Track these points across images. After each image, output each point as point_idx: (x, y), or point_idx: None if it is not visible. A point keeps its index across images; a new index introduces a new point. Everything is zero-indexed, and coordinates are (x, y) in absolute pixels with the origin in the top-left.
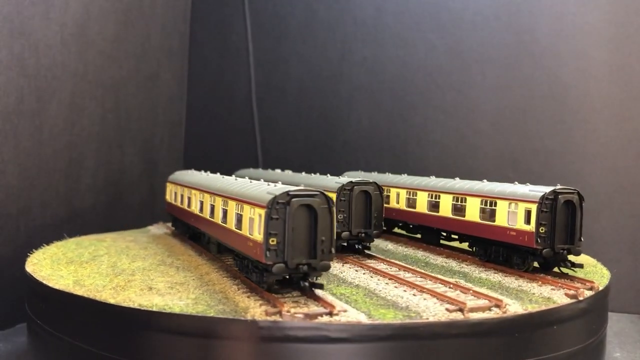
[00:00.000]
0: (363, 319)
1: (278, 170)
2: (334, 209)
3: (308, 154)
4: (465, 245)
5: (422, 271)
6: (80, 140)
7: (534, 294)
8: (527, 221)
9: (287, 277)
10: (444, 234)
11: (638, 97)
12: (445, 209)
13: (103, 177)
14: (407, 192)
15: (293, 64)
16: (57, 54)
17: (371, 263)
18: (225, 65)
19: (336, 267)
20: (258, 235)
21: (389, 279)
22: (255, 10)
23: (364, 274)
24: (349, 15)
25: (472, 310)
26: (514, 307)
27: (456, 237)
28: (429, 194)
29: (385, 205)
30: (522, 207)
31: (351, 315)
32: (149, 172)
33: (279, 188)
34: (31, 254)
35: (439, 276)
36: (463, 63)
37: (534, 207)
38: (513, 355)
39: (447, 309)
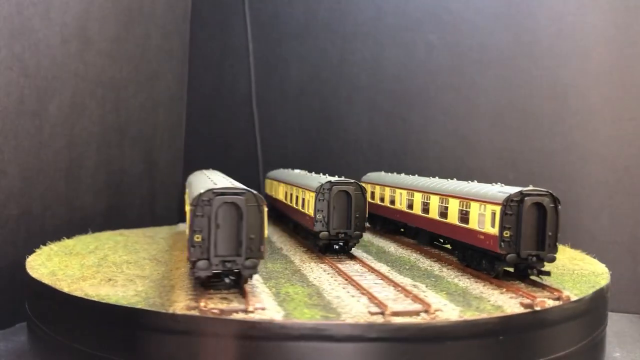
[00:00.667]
0: (277, 317)
1: (293, 170)
2: (264, 208)
3: (308, 154)
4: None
5: (387, 274)
6: (80, 140)
7: (489, 301)
8: (493, 224)
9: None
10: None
11: (638, 97)
12: (434, 211)
13: (103, 177)
14: (407, 193)
15: (293, 64)
16: (57, 54)
17: (346, 264)
18: (225, 65)
19: (308, 266)
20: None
21: (347, 280)
22: (255, 10)
23: (328, 274)
24: (349, 15)
25: (395, 314)
26: (452, 314)
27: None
28: (422, 195)
29: (390, 206)
30: (489, 209)
31: (266, 313)
32: (149, 172)
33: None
34: (31, 254)
35: (402, 279)
36: (463, 63)
37: (497, 209)
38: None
39: (369, 312)
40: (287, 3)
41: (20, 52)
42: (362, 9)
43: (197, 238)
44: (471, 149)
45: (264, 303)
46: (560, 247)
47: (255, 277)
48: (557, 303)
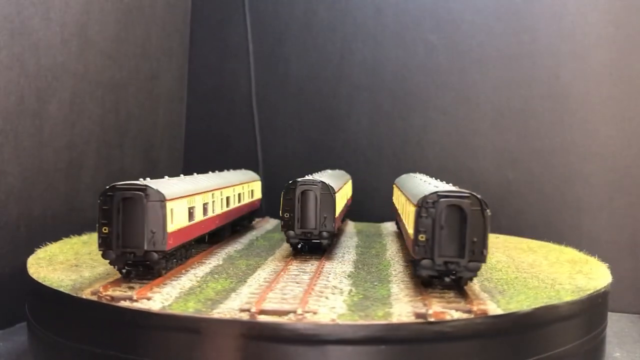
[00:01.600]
0: (154, 308)
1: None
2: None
3: (308, 154)
4: None
5: (329, 274)
6: (80, 140)
7: (390, 308)
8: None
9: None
10: None
11: (638, 97)
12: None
13: (103, 177)
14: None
15: (293, 64)
16: (57, 54)
17: (307, 263)
18: (225, 65)
19: (268, 265)
20: None
21: (281, 276)
22: (255, 10)
23: (274, 272)
24: (349, 15)
25: (262, 312)
26: (326, 317)
27: None
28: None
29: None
30: (411, 210)
31: (147, 303)
32: (149, 172)
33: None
34: (31, 254)
35: (339, 281)
36: (463, 63)
37: (413, 211)
38: None
39: (240, 308)
40: (287, 3)
41: (20, 52)
42: (362, 8)
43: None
44: (471, 149)
45: (168, 294)
46: (562, 249)
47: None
48: (462, 315)
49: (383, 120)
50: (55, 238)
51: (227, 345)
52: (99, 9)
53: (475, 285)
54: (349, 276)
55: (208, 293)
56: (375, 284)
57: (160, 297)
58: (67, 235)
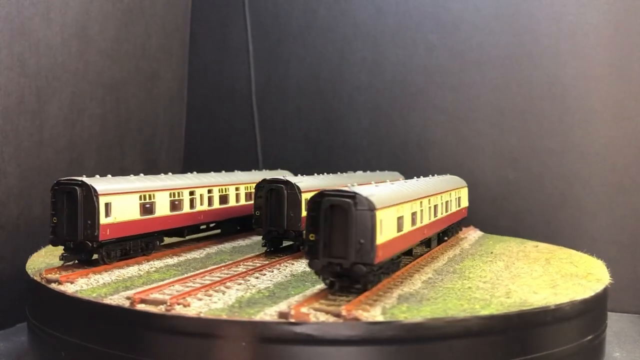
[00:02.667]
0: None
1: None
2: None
3: (308, 154)
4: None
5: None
6: (80, 140)
7: (264, 306)
8: None
9: None
10: None
11: (638, 97)
12: None
13: None
14: None
15: (293, 64)
16: (57, 54)
17: (268, 259)
18: (225, 65)
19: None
20: None
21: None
22: (255, 10)
23: (224, 267)
24: (349, 15)
25: (142, 301)
26: (191, 310)
27: None
28: None
29: None
30: None
31: (67, 287)
32: (149, 172)
33: None
34: (31, 254)
35: (261, 280)
36: (463, 63)
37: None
38: None
39: (126, 297)
40: (287, 3)
41: (20, 52)
42: (362, 9)
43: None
44: (471, 149)
45: (95, 281)
46: (562, 250)
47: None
48: (329, 319)
49: (383, 120)
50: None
51: (228, 347)
52: (99, 9)
53: (397, 290)
54: (291, 274)
55: (134, 282)
56: (306, 284)
57: (83, 282)
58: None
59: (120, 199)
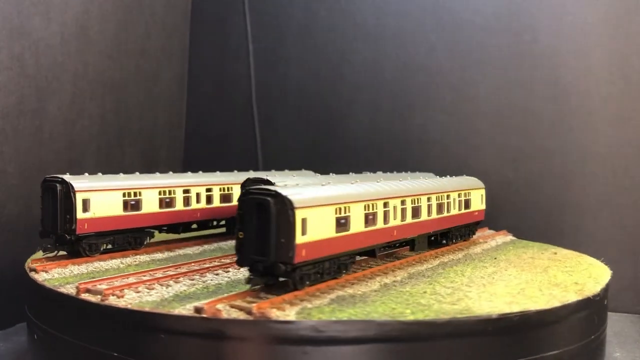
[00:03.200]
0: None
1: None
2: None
3: (308, 154)
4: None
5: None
6: (80, 140)
7: (189, 300)
8: None
9: None
10: None
11: (638, 97)
12: None
13: None
14: None
15: (293, 64)
16: (57, 54)
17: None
18: (225, 65)
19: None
20: None
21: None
22: (255, 10)
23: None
24: (349, 15)
25: (85, 291)
26: (124, 301)
27: None
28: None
29: None
30: None
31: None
32: (149, 172)
33: None
34: (31, 254)
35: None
36: (463, 63)
37: None
38: None
39: (76, 287)
40: (287, 3)
41: (20, 52)
42: (362, 9)
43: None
44: (471, 149)
45: (70, 272)
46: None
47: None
48: (239, 316)
49: (383, 120)
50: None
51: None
52: (99, 9)
53: (340, 291)
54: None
55: (106, 273)
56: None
57: (57, 272)
58: None
59: (100, 196)
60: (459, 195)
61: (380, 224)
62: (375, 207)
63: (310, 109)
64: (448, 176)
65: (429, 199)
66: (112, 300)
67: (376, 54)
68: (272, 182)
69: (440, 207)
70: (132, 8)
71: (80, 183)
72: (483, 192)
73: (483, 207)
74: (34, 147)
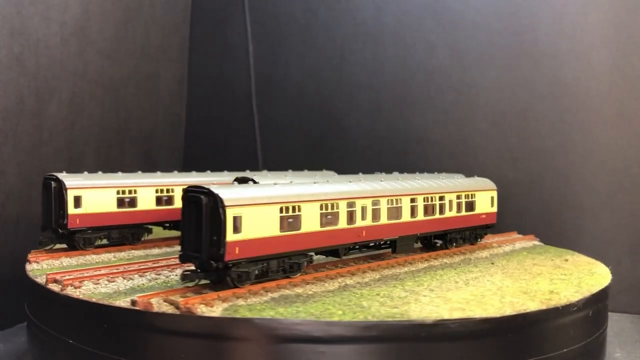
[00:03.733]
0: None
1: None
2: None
3: (308, 154)
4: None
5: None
6: (80, 140)
7: (123, 293)
8: None
9: None
10: None
11: (638, 97)
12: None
13: None
14: None
15: (293, 64)
16: (57, 53)
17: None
18: (225, 65)
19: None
20: None
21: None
22: (255, 10)
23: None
24: (349, 15)
25: (53, 280)
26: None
27: None
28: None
29: None
30: None
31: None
32: (149, 172)
33: None
34: (31, 254)
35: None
36: (463, 63)
37: None
38: None
39: (45, 275)
40: (287, 3)
41: (20, 52)
42: (362, 9)
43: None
44: (471, 149)
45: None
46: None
47: None
48: (168, 309)
49: (383, 120)
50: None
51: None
52: (99, 8)
53: (287, 290)
54: None
55: (92, 266)
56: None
57: (47, 263)
58: None
59: (92, 193)
60: (459, 197)
61: (342, 224)
62: (335, 207)
63: (310, 109)
64: (460, 176)
65: (413, 200)
66: (69, 291)
67: (376, 54)
68: (256, 181)
69: (429, 209)
70: (132, 8)
71: (72, 181)
72: (494, 194)
73: (493, 210)
74: (34, 147)
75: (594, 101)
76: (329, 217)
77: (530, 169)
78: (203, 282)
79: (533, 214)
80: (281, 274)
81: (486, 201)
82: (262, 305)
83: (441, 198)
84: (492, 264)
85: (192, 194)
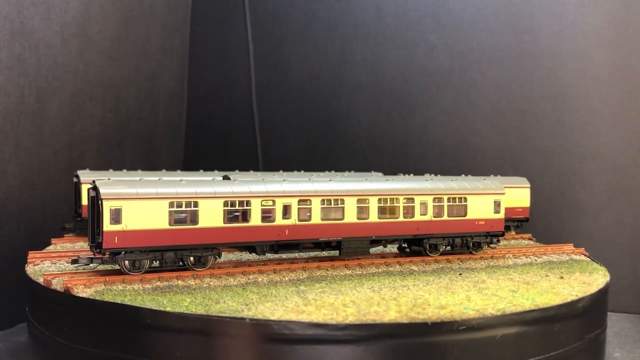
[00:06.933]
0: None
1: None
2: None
3: (308, 154)
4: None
5: None
6: (81, 140)
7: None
8: None
9: None
10: None
11: (638, 97)
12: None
13: None
14: None
15: (293, 64)
16: (57, 54)
17: None
18: (225, 65)
19: None
20: None
21: None
22: (255, 10)
23: None
24: (349, 15)
25: (49, 276)
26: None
27: None
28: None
29: None
30: None
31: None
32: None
33: None
34: (31, 254)
35: None
36: (463, 63)
37: None
38: None
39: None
40: (287, 3)
41: (20, 52)
42: (362, 9)
43: None
44: (471, 149)
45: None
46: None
47: None
48: (60, 288)
49: (383, 120)
50: (55, 238)
51: (231, 345)
52: (99, 9)
53: (191, 281)
54: None
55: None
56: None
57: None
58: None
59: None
60: (438, 200)
61: (256, 221)
62: (246, 205)
63: (310, 109)
64: (470, 175)
65: (362, 201)
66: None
67: (376, 54)
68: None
69: (388, 210)
70: (132, 8)
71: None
72: (499, 198)
73: (498, 216)
74: (34, 147)
75: (594, 101)
76: (237, 214)
77: (530, 168)
78: (101, 267)
79: (533, 214)
80: (192, 267)
81: (486, 206)
82: (133, 293)
83: (408, 200)
84: (460, 274)
85: (90, 188)
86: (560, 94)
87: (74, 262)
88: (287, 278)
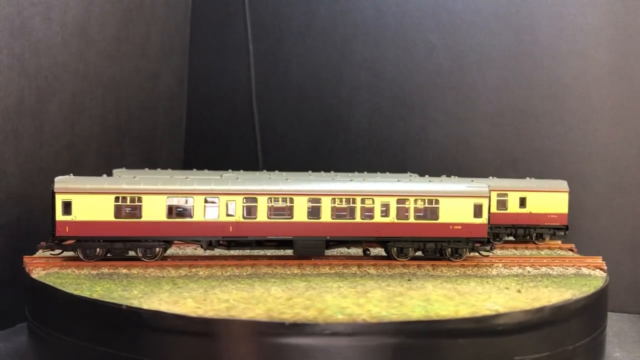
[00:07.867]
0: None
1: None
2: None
3: (308, 154)
4: None
5: None
6: (81, 140)
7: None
8: None
9: None
10: None
11: (638, 97)
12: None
13: None
14: None
15: (293, 64)
16: (57, 54)
17: None
18: (225, 65)
19: None
20: None
21: None
22: (255, 10)
23: None
24: (349, 15)
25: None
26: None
27: None
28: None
29: None
30: None
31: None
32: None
33: None
34: (31, 254)
35: None
36: (463, 63)
37: None
38: None
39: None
40: (287, 3)
41: (20, 52)
42: (362, 9)
43: None
44: (471, 149)
45: None
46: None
47: None
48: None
49: (383, 120)
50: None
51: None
52: (99, 9)
53: (122, 271)
54: None
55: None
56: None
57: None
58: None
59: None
60: (402, 202)
61: (198, 217)
62: (188, 202)
63: (310, 109)
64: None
65: (315, 201)
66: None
67: (376, 54)
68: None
69: (342, 211)
70: (132, 8)
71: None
72: (481, 201)
73: (479, 221)
74: (34, 147)
75: (594, 101)
76: (180, 210)
77: (530, 169)
78: (58, 253)
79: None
80: (141, 258)
81: (463, 209)
82: (75, 279)
83: (366, 201)
84: (409, 280)
85: (52, 184)
86: (560, 94)
87: (38, 249)
88: (228, 273)
